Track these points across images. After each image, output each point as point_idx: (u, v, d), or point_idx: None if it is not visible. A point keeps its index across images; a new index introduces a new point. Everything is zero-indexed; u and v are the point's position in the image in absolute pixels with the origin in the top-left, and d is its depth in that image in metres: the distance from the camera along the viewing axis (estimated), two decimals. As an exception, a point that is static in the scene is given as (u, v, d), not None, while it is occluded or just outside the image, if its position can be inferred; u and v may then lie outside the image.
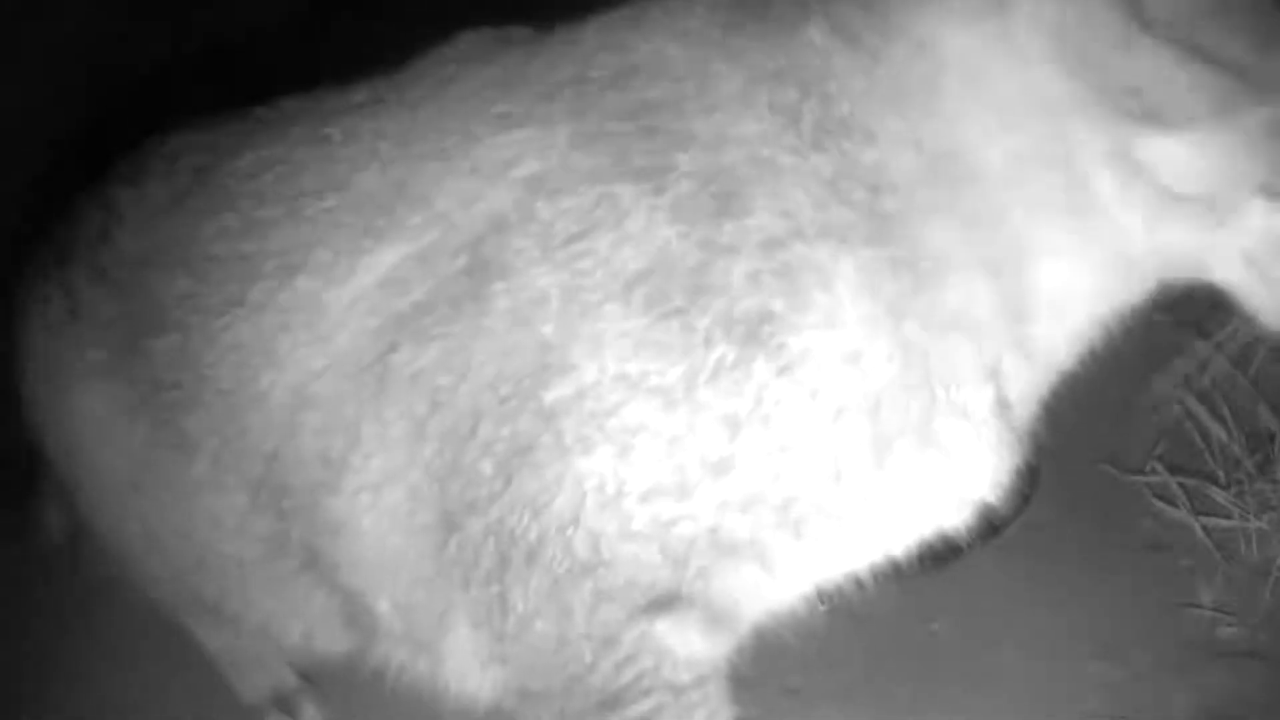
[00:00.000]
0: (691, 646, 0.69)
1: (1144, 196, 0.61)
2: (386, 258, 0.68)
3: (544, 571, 0.67)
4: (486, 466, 0.66)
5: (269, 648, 1.03)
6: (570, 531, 0.65)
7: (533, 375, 0.64)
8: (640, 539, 0.65)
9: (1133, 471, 1.14)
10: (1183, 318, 0.84)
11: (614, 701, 0.70)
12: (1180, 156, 0.59)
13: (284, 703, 1.04)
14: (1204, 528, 1.09)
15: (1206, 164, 0.59)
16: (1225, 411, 1.14)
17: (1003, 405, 0.66)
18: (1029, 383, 0.68)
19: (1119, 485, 1.13)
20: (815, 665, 0.99)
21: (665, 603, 0.67)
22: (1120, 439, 1.15)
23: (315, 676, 1.05)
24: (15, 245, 0.90)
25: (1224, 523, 1.09)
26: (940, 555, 0.97)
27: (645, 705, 0.70)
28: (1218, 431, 1.14)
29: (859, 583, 0.72)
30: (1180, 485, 1.12)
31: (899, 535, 0.69)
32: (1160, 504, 1.12)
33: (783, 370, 0.62)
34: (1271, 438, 1.13)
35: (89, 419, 0.80)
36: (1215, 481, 1.12)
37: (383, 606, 0.75)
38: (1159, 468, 1.13)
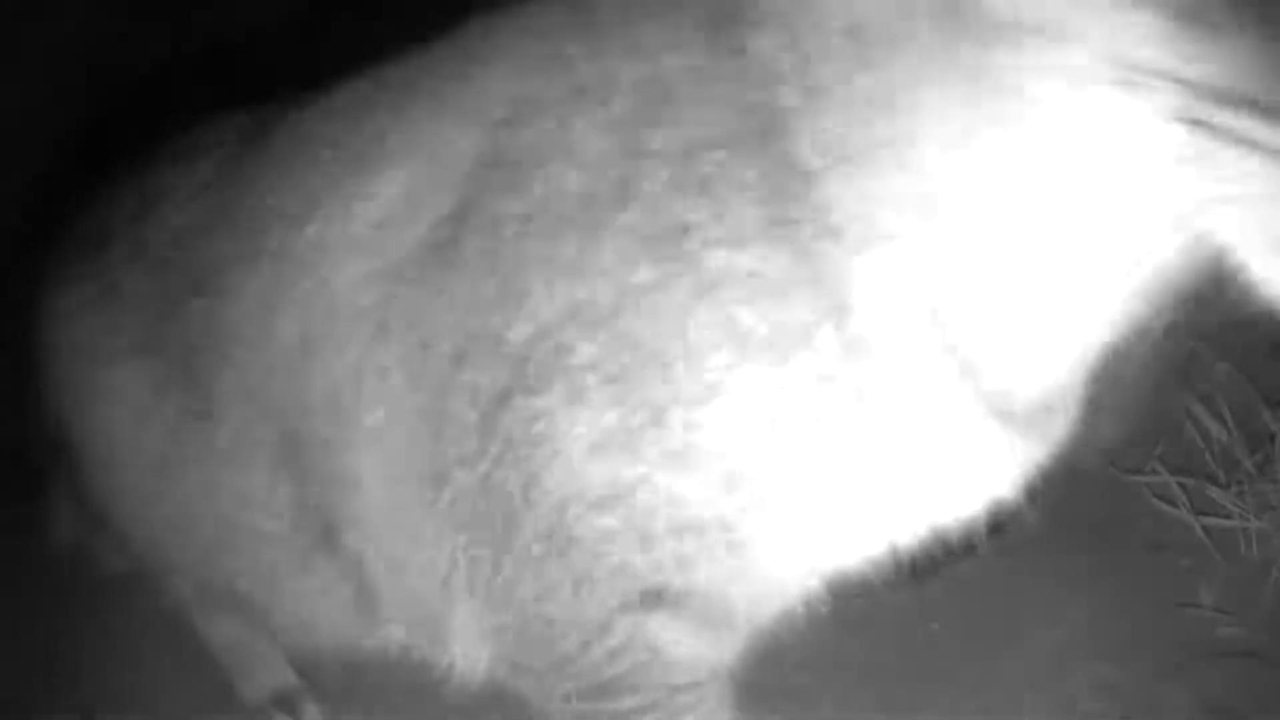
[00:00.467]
0: (684, 646, 0.68)
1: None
2: (379, 200, 0.69)
3: (522, 540, 0.66)
4: (471, 415, 0.66)
5: (273, 646, 1.04)
6: (535, 494, 0.64)
7: (501, 313, 0.64)
8: (602, 508, 0.64)
9: (1133, 471, 1.14)
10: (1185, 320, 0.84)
11: (604, 691, 0.70)
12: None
13: (286, 703, 1.04)
14: (1204, 528, 1.09)
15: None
16: (1225, 411, 1.14)
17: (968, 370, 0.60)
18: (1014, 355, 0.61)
19: (1119, 485, 1.13)
20: (814, 665, 0.99)
21: (657, 597, 0.67)
22: (1120, 439, 1.15)
23: (316, 677, 1.05)
24: (15, 245, 0.90)
25: (1224, 523, 1.09)
26: (953, 552, 0.98)
27: (635, 700, 0.70)
28: (1218, 431, 1.13)
29: (866, 580, 0.70)
30: (1180, 485, 1.12)
31: (887, 521, 0.66)
32: (1160, 504, 1.12)
33: (703, 291, 0.59)
34: (1272, 438, 1.13)
35: (121, 398, 0.81)
36: (1215, 481, 1.12)
37: (383, 574, 0.75)
38: (1159, 468, 1.13)
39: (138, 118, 0.95)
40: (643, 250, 0.60)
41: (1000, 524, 0.75)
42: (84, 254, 0.85)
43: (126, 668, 1.05)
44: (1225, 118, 0.47)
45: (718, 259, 0.59)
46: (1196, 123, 0.47)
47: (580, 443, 0.63)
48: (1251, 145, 0.46)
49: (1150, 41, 0.47)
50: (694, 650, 0.69)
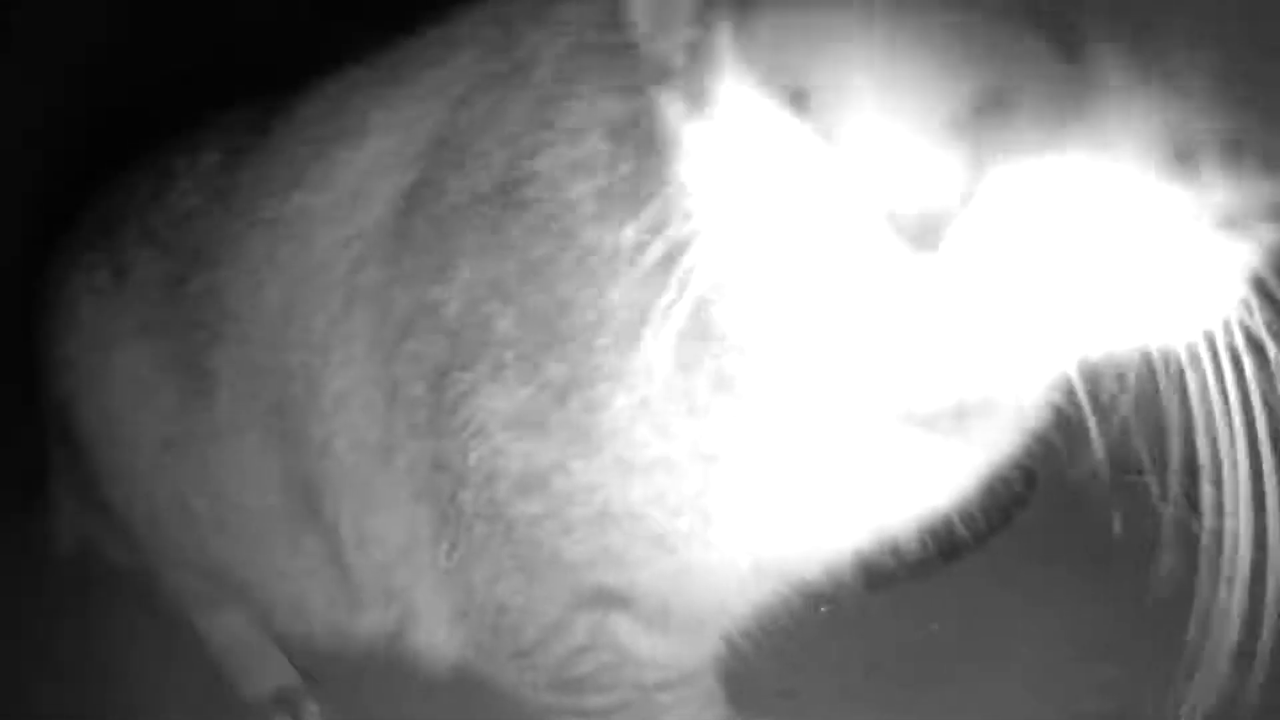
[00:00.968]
0: (650, 647, 0.67)
1: None
2: (355, 168, 0.71)
3: (466, 517, 0.66)
4: (419, 386, 0.67)
5: (273, 646, 1.04)
6: (470, 471, 0.64)
7: (440, 286, 0.65)
8: (526, 491, 0.63)
9: (1133, 471, 1.13)
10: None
11: (570, 687, 0.70)
12: None
13: (286, 702, 1.04)
14: (1204, 528, 1.09)
15: None
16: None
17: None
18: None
19: (1118, 485, 1.13)
20: (812, 666, 0.99)
21: (606, 595, 0.66)
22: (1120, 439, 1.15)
23: (317, 676, 1.05)
24: (15, 245, 0.90)
25: (1224, 523, 1.09)
26: (942, 553, 0.97)
27: (607, 699, 0.70)
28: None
29: (838, 581, 0.68)
30: (1180, 485, 1.11)
31: (815, 524, 0.63)
32: (1160, 504, 1.11)
33: (585, 270, 0.58)
34: (1272, 438, 1.13)
35: (129, 380, 0.83)
36: (1215, 481, 1.11)
37: (353, 547, 0.75)
38: (1158, 468, 1.13)
39: (138, 118, 0.95)
40: (543, 225, 0.60)
41: (955, 541, 0.72)
42: (96, 240, 0.87)
43: (126, 668, 1.05)
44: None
45: (595, 236, 0.58)
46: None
47: (500, 419, 0.62)
48: None
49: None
50: (663, 651, 0.68)
